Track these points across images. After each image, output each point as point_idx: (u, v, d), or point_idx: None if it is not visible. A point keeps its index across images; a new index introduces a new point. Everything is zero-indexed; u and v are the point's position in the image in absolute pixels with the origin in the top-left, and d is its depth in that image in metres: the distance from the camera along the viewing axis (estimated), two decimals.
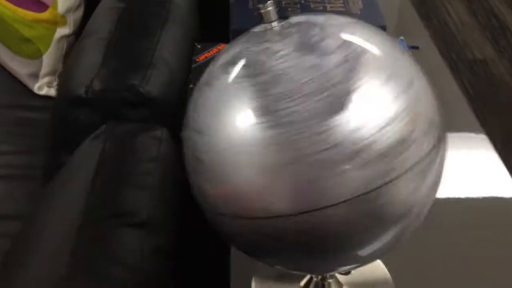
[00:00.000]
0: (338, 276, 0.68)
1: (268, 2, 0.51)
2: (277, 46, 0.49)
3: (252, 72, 0.48)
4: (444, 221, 0.80)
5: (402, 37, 1.10)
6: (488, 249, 0.76)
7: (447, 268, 0.74)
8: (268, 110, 0.46)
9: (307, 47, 0.48)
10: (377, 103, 0.46)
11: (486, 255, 0.76)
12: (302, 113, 0.45)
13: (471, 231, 0.79)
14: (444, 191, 0.84)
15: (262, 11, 0.51)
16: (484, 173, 0.87)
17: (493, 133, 2.00)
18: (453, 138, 0.93)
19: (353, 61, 0.47)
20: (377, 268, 0.71)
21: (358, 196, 0.46)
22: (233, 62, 0.50)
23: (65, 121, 0.88)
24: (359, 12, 1.09)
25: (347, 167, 0.46)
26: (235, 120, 0.48)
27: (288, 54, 0.48)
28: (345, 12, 1.09)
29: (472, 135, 0.94)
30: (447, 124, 0.94)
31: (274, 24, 0.51)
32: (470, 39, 2.46)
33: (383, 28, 1.05)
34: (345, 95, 0.46)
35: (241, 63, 0.50)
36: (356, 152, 0.45)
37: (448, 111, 0.97)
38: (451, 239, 0.77)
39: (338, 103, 0.45)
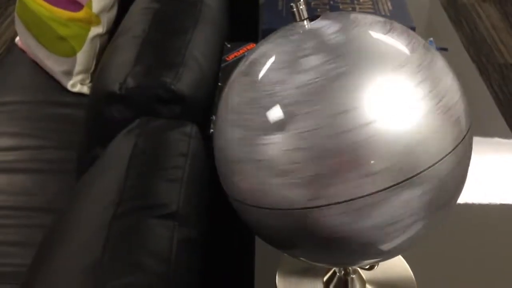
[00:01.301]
0: (361, 272, 0.69)
1: (300, 1, 0.53)
2: (303, 46, 0.50)
3: (280, 70, 0.50)
4: (470, 225, 0.80)
5: (431, 38, 1.10)
6: None
7: (469, 269, 0.74)
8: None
9: (334, 46, 0.49)
10: (406, 99, 0.47)
11: (510, 259, 0.75)
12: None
13: (496, 235, 0.79)
14: (472, 195, 0.84)
15: (294, 9, 0.52)
16: None
17: None
18: (481, 143, 0.92)
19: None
20: (400, 267, 0.71)
21: (382, 190, 0.47)
22: (263, 59, 0.52)
23: (99, 116, 0.91)
24: (388, 14, 1.10)
25: (372, 161, 0.47)
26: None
27: (313, 53, 0.49)
28: (374, 13, 1.10)
29: (501, 139, 0.93)
30: (476, 128, 0.94)
31: (305, 22, 0.53)
32: (500, 43, 2.43)
33: (412, 29, 1.05)
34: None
35: (271, 61, 0.51)
36: (381, 148, 0.47)
37: (477, 115, 0.96)
38: (475, 242, 0.77)
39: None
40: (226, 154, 0.53)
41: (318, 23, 0.52)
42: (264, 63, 0.51)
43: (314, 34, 0.51)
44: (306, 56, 0.49)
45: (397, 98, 0.47)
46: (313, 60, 0.49)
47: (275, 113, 0.49)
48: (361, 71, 0.47)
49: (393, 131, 0.47)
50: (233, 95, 0.53)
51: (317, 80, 0.48)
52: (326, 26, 0.51)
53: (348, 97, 0.47)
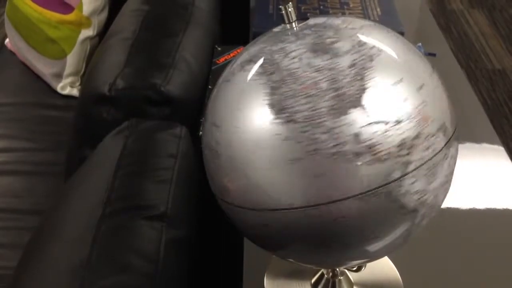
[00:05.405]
0: (349, 274, 0.69)
1: (289, 3, 0.53)
2: (291, 47, 0.50)
3: (267, 71, 0.50)
4: (458, 230, 0.80)
5: (419, 44, 1.11)
6: (501, 257, 0.77)
7: (455, 272, 0.75)
8: (280, 107, 0.48)
9: (321, 48, 0.49)
10: (388, 103, 0.48)
11: (498, 262, 0.76)
12: (314, 110, 0.47)
13: (482, 238, 0.79)
14: (459, 201, 0.84)
15: (283, 11, 0.53)
16: (499, 184, 0.88)
17: (510, 143, 1.99)
18: (469, 148, 0.93)
19: (364, 63, 0.48)
20: (388, 269, 0.72)
21: (369, 191, 0.48)
22: (251, 61, 0.52)
23: (89, 117, 0.90)
24: (377, 19, 1.11)
25: (358, 163, 0.47)
26: (251, 115, 0.50)
27: (300, 55, 0.49)
28: (364, 18, 1.11)
29: (489, 145, 0.94)
30: (464, 133, 0.94)
31: (293, 24, 0.53)
32: (489, 49, 2.45)
33: (401, 34, 1.06)
34: (355, 95, 0.47)
35: (259, 62, 0.52)
36: (366, 148, 0.47)
37: (465, 120, 0.97)
38: (464, 246, 0.78)
39: (348, 102, 0.47)
40: (214, 155, 0.53)
41: (305, 26, 0.53)
42: (252, 63, 0.52)
43: (299, 37, 0.51)
44: (289, 58, 0.49)
45: (380, 98, 0.48)
46: (296, 63, 0.49)
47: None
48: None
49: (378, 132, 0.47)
50: (222, 93, 0.54)
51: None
52: (312, 29, 0.52)
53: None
